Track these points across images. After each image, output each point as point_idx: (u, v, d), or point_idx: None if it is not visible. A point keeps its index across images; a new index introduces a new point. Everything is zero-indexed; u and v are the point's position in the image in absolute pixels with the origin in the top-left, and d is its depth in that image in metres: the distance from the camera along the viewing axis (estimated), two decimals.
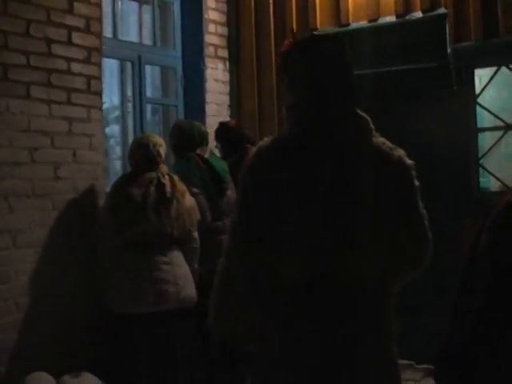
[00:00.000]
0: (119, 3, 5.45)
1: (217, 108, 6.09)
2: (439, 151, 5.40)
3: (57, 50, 4.54)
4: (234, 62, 6.29)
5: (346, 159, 2.33)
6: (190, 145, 4.83)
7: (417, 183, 2.45)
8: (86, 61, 4.75)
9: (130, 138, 5.52)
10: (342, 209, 2.30)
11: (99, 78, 4.85)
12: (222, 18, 6.26)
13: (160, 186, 4.36)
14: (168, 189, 4.36)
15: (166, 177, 4.42)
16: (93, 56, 4.80)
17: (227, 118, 6.09)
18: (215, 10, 6.16)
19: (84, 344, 4.51)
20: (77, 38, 4.68)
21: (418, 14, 5.56)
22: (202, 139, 4.93)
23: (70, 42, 4.63)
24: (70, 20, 4.63)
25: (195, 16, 6.00)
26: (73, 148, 4.61)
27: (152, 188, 4.34)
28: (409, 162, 2.44)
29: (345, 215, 2.30)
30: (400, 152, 2.44)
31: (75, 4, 4.67)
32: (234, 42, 6.29)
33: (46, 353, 4.24)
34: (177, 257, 4.40)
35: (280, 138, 2.44)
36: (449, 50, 5.42)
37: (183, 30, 6.04)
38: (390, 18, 5.67)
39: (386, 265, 2.37)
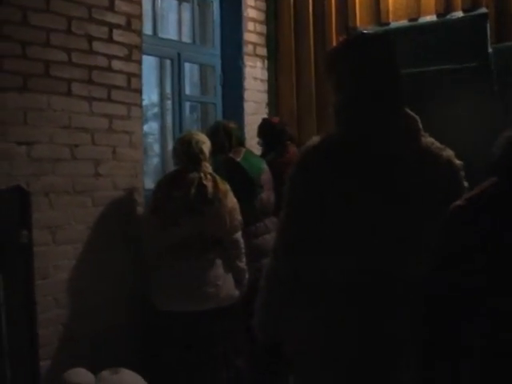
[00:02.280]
0: (159, 1, 5.45)
1: (255, 106, 6.09)
2: (478, 151, 5.33)
3: (98, 47, 4.55)
4: (273, 60, 6.27)
5: (394, 162, 2.32)
6: (217, 148, 4.80)
7: (465, 184, 2.42)
8: (127, 58, 4.76)
9: (169, 136, 5.53)
10: (388, 213, 2.29)
11: (139, 76, 4.87)
12: (261, 16, 6.25)
13: (201, 186, 4.34)
14: (210, 189, 4.34)
15: (209, 177, 4.39)
16: (133, 53, 4.81)
17: (265, 117, 6.08)
18: (254, 7, 6.15)
19: (123, 340, 4.53)
20: (117, 35, 4.70)
21: (459, 14, 5.51)
22: (230, 141, 4.91)
23: (110, 40, 4.65)
24: (110, 17, 4.65)
25: (234, 14, 6.00)
26: (113, 145, 4.63)
27: (193, 189, 4.32)
28: (457, 162, 2.43)
29: (390, 220, 2.30)
30: (449, 153, 2.43)
31: (116, 1, 4.69)
32: (272, 40, 6.27)
33: (85, 348, 4.27)
34: (217, 257, 4.39)
35: (329, 139, 2.42)
36: (490, 50, 5.34)
37: (222, 28, 6.05)
38: (431, 18, 5.61)
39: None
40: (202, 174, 4.38)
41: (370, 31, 2.29)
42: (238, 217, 4.45)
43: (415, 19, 5.68)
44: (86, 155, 4.45)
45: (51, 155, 4.22)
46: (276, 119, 5.47)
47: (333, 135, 2.42)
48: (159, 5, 5.47)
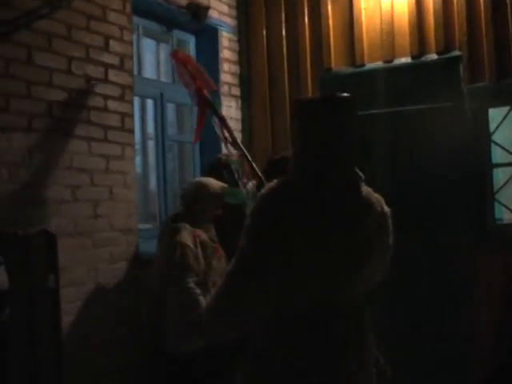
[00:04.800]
0: (139, 41, 5.45)
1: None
2: (456, 186, 5.54)
3: (95, 87, 4.52)
4: (246, 100, 6.33)
5: (346, 209, 2.57)
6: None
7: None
8: (120, 98, 4.75)
9: (152, 175, 5.53)
10: (340, 252, 2.53)
11: (131, 116, 4.86)
12: (234, 57, 6.31)
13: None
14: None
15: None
16: (126, 94, 4.81)
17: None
18: (228, 48, 6.21)
19: None
20: (112, 75, 4.69)
21: (433, 56, 5.70)
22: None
23: (106, 80, 4.63)
24: (106, 57, 4.64)
25: (211, 55, 6.03)
26: (109, 186, 4.60)
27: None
28: (387, 209, 2.71)
29: (343, 259, 2.54)
30: (381, 200, 2.71)
31: (111, 41, 4.68)
32: (245, 81, 6.34)
33: None
34: None
35: (288, 183, 2.59)
36: (463, 90, 5.55)
37: None
38: (405, 60, 5.79)
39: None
40: None
41: (340, 94, 2.62)
42: None
43: (390, 61, 5.85)
44: (86, 196, 4.40)
45: (56, 197, 4.17)
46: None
47: (293, 181, 2.60)
48: (139, 45, 5.45)
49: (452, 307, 5.47)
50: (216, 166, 5.02)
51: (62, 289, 4.07)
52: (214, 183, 4.60)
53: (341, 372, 2.55)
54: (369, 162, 5.52)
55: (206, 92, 4.67)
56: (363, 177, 2.67)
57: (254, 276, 2.49)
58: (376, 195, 2.69)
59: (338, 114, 2.63)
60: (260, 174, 4.57)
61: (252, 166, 4.68)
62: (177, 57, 4.70)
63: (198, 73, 4.66)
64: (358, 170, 2.66)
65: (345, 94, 2.70)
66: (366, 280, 2.63)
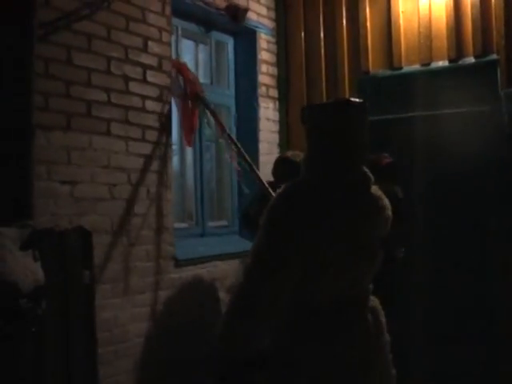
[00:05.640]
0: (179, 42, 5.51)
1: (268, 146, 6.17)
2: (491, 191, 5.51)
3: (134, 87, 4.60)
4: (284, 101, 6.37)
5: (358, 207, 2.71)
6: None
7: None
8: (158, 99, 4.82)
9: (190, 174, 5.59)
10: (355, 248, 2.67)
11: (169, 116, 4.92)
12: (272, 59, 6.36)
13: None
14: None
15: None
16: (164, 94, 4.87)
17: None
18: (267, 50, 6.26)
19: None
20: (150, 76, 4.76)
21: (471, 60, 5.68)
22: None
23: (144, 80, 4.70)
24: (144, 58, 4.71)
25: (249, 56, 6.10)
26: (146, 185, 4.66)
27: None
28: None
29: (356, 256, 2.69)
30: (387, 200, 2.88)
31: (149, 43, 4.75)
32: (283, 82, 6.38)
33: None
34: None
35: (303, 183, 2.72)
36: (501, 94, 5.52)
37: (237, 70, 6.13)
38: (443, 63, 5.78)
39: None
40: None
41: (352, 99, 2.78)
42: None
43: (427, 64, 5.84)
44: (123, 195, 4.47)
45: (92, 195, 4.24)
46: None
47: (308, 182, 2.72)
48: (178, 46, 5.51)
49: None
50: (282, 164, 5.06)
51: (97, 285, 4.17)
52: None
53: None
54: (405, 165, 5.55)
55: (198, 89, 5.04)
56: (372, 178, 2.81)
57: (273, 276, 2.54)
58: (380, 193, 2.88)
59: (350, 117, 2.75)
60: (257, 171, 4.90)
61: (248, 161, 4.97)
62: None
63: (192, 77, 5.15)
64: (368, 171, 2.80)
65: (356, 99, 2.86)
66: (372, 274, 2.82)
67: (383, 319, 2.86)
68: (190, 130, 5.06)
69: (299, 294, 2.65)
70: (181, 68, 5.17)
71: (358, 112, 2.79)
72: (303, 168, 2.78)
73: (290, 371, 2.65)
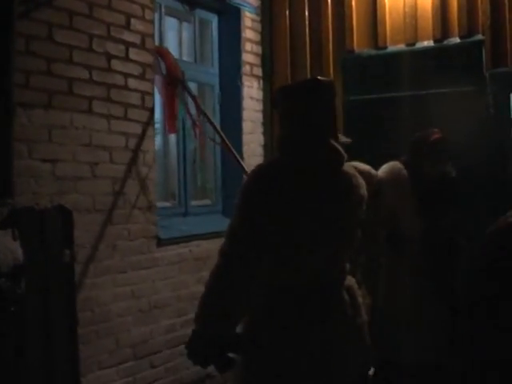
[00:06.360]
0: (163, 20, 5.45)
1: (252, 125, 6.13)
2: (476, 171, 5.50)
3: (116, 65, 4.56)
4: (268, 80, 6.33)
5: (327, 184, 2.76)
6: None
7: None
8: (141, 77, 4.78)
9: (173, 152, 5.56)
10: (326, 223, 2.72)
11: (152, 94, 4.89)
12: (257, 37, 6.30)
13: None
14: None
15: None
16: (147, 72, 4.83)
17: (261, 136, 6.16)
18: (251, 28, 6.21)
19: None
20: (133, 53, 4.71)
21: (456, 40, 5.66)
22: None
23: (127, 58, 4.66)
24: (127, 36, 4.66)
25: (233, 34, 6.04)
26: (128, 163, 4.63)
27: None
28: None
29: (328, 232, 2.73)
30: (360, 178, 2.93)
31: (132, 20, 4.70)
32: (267, 61, 6.34)
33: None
34: None
35: (277, 163, 2.80)
36: (486, 75, 5.51)
37: (221, 48, 6.08)
38: (428, 43, 5.76)
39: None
40: None
41: (321, 78, 2.83)
42: None
43: (412, 44, 5.82)
44: (105, 173, 4.44)
45: (73, 173, 4.21)
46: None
47: (280, 161, 2.79)
48: (162, 24, 5.46)
49: None
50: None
51: (79, 264, 4.16)
52: None
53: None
54: (390, 144, 5.54)
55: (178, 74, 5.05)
56: (346, 156, 2.85)
57: (246, 253, 2.61)
58: (358, 168, 3.08)
59: (318, 96, 2.79)
60: (236, 155, 5.03)
61: (227, 144, 5.10)
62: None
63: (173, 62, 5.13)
64: (340, 149, 2.82)
65: (324, 78, 2.94)
66: (348, 253, 2.87)
67: (360, 299, 2.88)
68: (172, 117, 5.02)
69: (273, 274, 2.70)
70: (162, 53, 5.13)
71: (326, 91, 2.84)
72: (275, 148, 2.88)
73: (263, 354, 2.68)
